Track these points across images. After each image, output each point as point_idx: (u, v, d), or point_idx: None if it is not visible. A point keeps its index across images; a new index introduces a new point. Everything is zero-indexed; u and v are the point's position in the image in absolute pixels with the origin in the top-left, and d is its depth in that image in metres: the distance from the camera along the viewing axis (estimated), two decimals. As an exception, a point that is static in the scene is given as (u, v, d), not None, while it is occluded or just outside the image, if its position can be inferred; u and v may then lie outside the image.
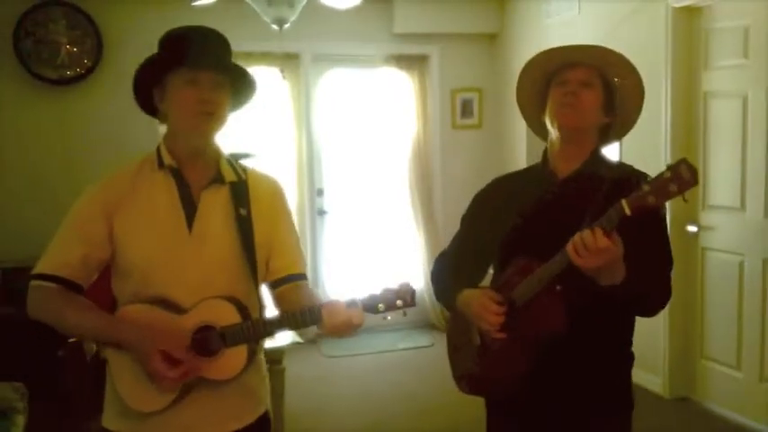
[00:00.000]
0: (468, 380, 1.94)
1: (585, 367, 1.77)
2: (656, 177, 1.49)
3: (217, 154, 1.75)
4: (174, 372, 1.54)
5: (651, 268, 1.66)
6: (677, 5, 3.93)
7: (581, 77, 1.79)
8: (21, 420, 2.93)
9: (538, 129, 1.95)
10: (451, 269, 2.02)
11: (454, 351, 2.03)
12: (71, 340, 3.11)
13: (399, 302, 1.59)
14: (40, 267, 1.65)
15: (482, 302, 1.79)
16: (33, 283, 1.65)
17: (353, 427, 4.00)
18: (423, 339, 5.54)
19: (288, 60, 5.34)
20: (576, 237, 1.54)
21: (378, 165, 5.83)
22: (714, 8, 3.85)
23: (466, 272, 1.99)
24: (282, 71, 5.26)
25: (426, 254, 5.76)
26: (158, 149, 1.72)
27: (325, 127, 5.66)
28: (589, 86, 1.79)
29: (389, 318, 1.62)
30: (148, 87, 1.68)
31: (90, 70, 4.83)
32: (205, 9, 4.04)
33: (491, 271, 1.98)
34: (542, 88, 1.88)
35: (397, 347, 5.34)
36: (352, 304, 1.58)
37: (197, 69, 1.62)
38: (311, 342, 5.39)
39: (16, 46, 4.64)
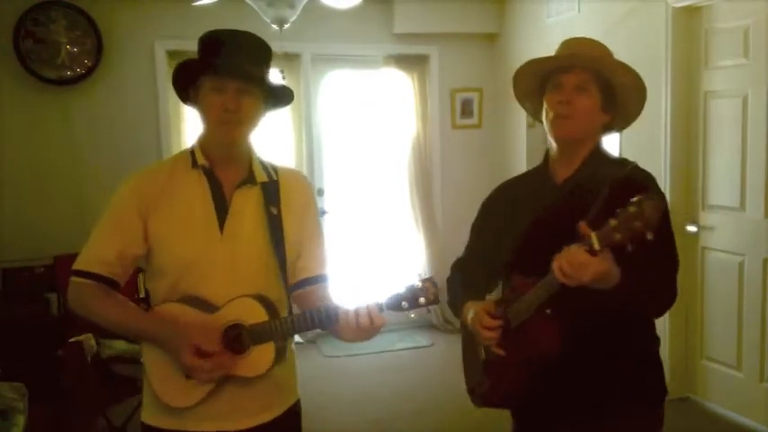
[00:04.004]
0: (477, 393, 1.94)
1: (596, 375, 1.75)
2: (621, 211, 1.44)
3: (249, 155, 1.77)
4: (207, 364, 1.58)
5: (654, 266, 1.63)
6: (677, 5, 3.93)
7: (575, 82, 1.76)
8: (21, 420, 2.93)
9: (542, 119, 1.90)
10: (463, 278, 2.01)
11: (465, 364, 2.02)
12: (72, 340, 3.11)
13: (422, 300, 1.61)
14: (79, 263, 1.69)
15: (478, 316, 1.78)
16: (73, 279, 1.69)
17: (353, 427, 4.00)
18: (422, 339, 5.53)
19: (288, 60, 5.34)
20: (561, 256, 1.51)
21: (378, 165, 5.83)
22: (714, 8, 3.85)
23: (476, 282, 1.97)
24: (282, 71, 5.26)
25: (426, 253, 5.76)
26: (192, 149, 1.75)
27: (326, 127, 5.66)
28: (584, 91, 1.76)
29: (413, 315, 1.64)
30: (186, 85, 1.72)
31: (90, 70, 4.81)
32: (205, 9, 4.04)
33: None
34: (539, 86, 1.86)
35: (397, 347, 5.33)
36: (373, 305, 1.60)
37: (221, 77, 1.64)
38: (311, 342, 5.39)
39: (16, 46, 4.63)
